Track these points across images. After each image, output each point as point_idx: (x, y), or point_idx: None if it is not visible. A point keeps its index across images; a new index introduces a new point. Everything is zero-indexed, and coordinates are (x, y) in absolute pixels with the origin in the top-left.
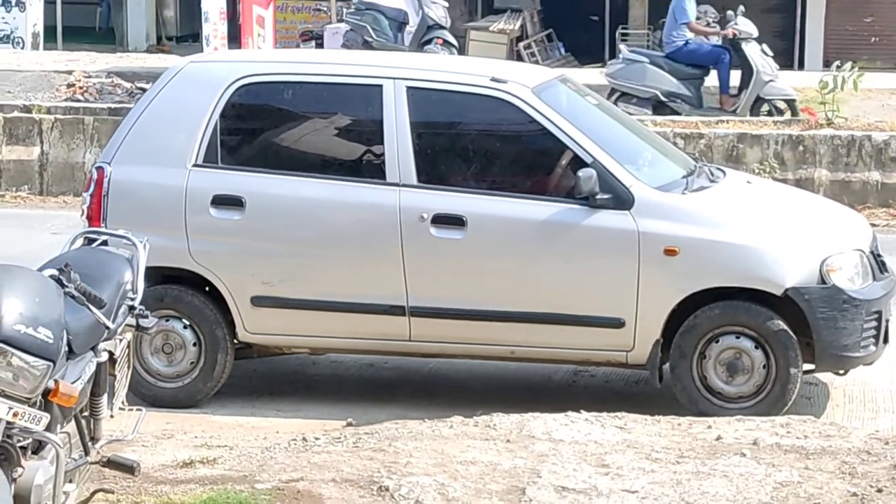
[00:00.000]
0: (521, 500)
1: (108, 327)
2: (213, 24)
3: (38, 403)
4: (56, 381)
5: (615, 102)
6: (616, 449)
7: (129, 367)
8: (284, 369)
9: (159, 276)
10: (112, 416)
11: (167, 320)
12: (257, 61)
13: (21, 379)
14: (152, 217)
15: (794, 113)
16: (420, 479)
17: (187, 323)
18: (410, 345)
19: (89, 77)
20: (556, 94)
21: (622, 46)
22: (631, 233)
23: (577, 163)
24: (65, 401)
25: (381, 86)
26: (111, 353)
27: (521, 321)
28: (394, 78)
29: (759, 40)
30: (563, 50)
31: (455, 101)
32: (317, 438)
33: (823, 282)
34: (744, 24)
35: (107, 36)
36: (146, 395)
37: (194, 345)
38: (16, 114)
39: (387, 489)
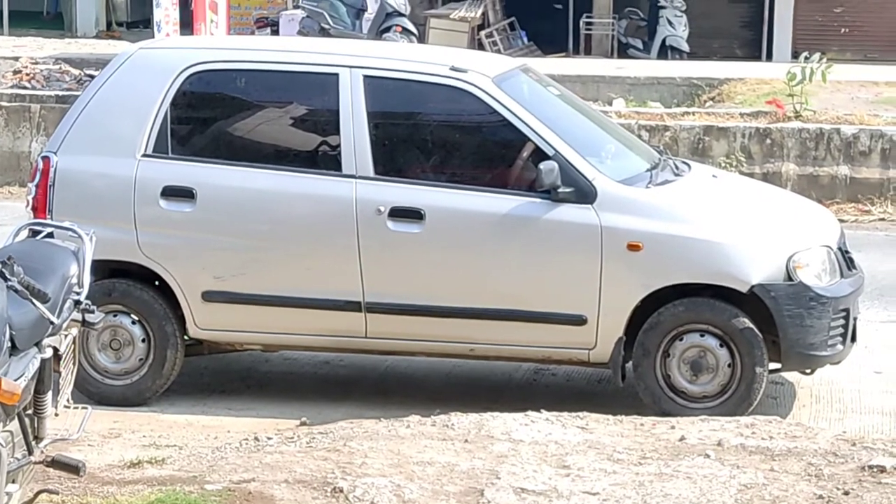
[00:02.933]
0: (480, 502)
1: (52, 322)
2: (165, 9)
3: None
4: None
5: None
6: (577, 449)
7: (74, 364)
8: (236, 367)
9: (107, 270)
10: (57, 415)
11: (115, 315)
12: (210, 48)
13: None
14: (100, 209)
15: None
16: (375, 480)
17: (136, 318)
18: (366, 342)
19: (36, 63)
20: (517, 85)
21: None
22: (593, 227)
23: (539, 155)
24: (7, 398)
25: (337, 74)
26: (56, 350)
27: (481, 318)
28: (350, 66)
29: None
30: (525, 39)
31: (413, 90)
32: (269, 438)
33: (790, 278)
34: None
35: (55, 21)
36: (93, 392)
37: (143, 341)
38: None
39: (341, 490)
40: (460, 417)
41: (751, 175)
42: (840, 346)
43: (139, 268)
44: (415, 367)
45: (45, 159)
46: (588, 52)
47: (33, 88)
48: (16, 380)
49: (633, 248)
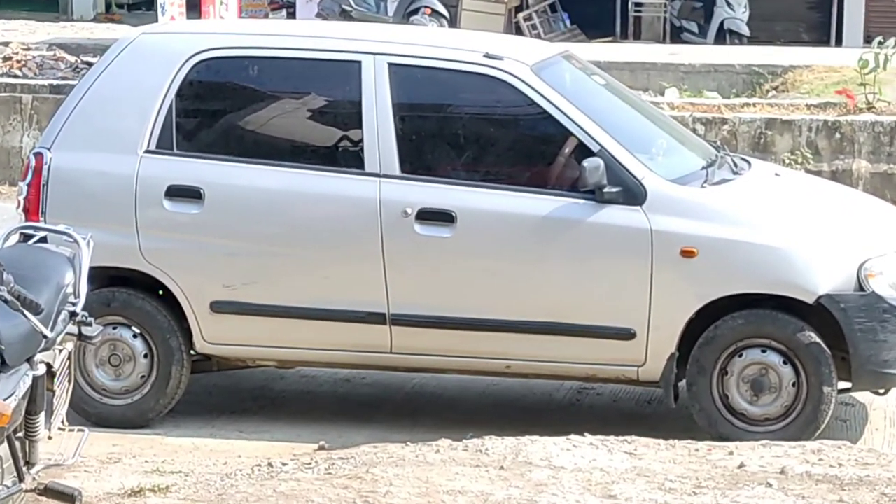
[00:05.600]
0: None
1: (45, 336)
2: None
3: None
4: None
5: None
6: (624, 477)
7: (70, 382)
8: (248, 385)
9: (106, 278)
10: (50, 438)
11: (114, 328)
12: (219, 33)
13: None
14: (98, 210)
15: None
16: None
17: (137, 331)
18: (392, 357)
19: (28, 49)
20: (558, 73)
21: None
22: (643, 231)
23: (583, 151)
24: None
25: (359, 62)
26: (49, 366)
27: (518, 331)
28: (374, 53)
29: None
30: (568, 22)
31: (444, 80)
32: (284, 464)
33: (861, 288)
34: None
35: (49, 3)
36: (90, 413)
37: (145, 356)
38: None
39: None
40: (495, 441)
41: (818, 173)
42: None
43: (141, 275)
44: (445, 386)
45: (38, 156)
46: (637, 37)
47: (25, 77)
48: (5, 399)
49: (686, 254)
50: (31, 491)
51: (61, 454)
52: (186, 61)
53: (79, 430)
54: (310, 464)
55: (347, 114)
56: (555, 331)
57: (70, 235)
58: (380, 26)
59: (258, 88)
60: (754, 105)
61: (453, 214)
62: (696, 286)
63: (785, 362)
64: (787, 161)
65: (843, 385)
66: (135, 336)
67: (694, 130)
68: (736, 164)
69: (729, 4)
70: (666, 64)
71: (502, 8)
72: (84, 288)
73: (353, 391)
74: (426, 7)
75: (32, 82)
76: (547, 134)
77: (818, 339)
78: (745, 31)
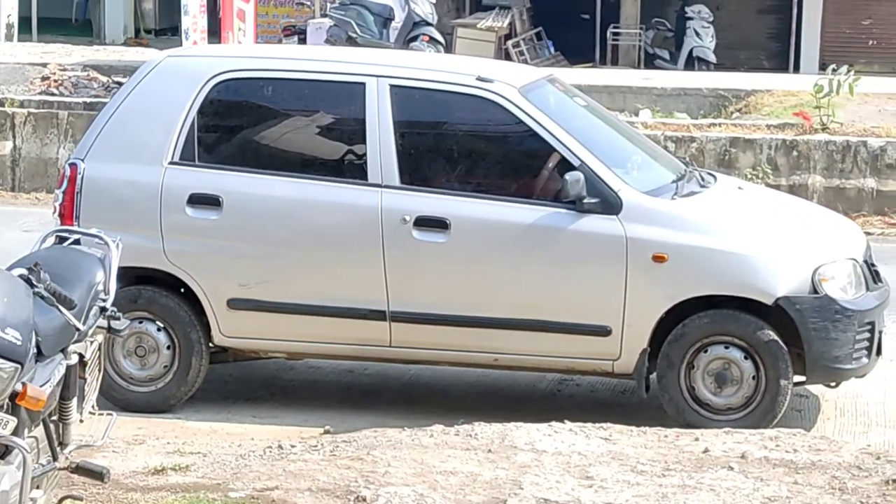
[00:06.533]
0: None
1: (78, 329)
2: (193, 17)
3: (4, 407)
4: (24, 384)
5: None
6: (600, 461)
7: (100, 371)
8: (261, 374)
9: (133, 277)
10: (82, 421)
11: (140, 322)
12: (237, 56)
13: None
14: (126, 215)
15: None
16: (398, 489)
17: (161, 325)
18: (391, 351)
19: (64, 70)
20: (543, 95)
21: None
22: (619, 238)
23: (565, 165)
24: (33, 404)
25: (363, 84)
26: (81, 356)
27: (505, 328)
28: (377, 76)
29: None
30: (552, 49)
31: (440, 100)
32: (293, 446)
33: (815, 291)
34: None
35: (83, 28)
36: (118, 399)
37: (168, 348)
38: None
39: (364, 499)
40: (484, 427)
41: (777, 187)
42: (865, 360)
43: (165, 275)
44: (439, 377)
45: (73, 166)
46: (615, 63)
47: (61, 95)
48: (41, 386)
49: (658, 259)
50: (64, 469)
51: (91, 436)
52: (207, 81)
53: (107, 415)
54: (316, 446)
55: (352, 130)
56: (538, 327)
57: (101, 238)
58: (382, 51)
59: (272, 106)
60: (720, 125)
61: (448, 222)
62: (667, 288)
63: (746, 357)
64: (749, 176)
65: (798, 378)
66: (159, 329)
67: (665, 148)
68: (703, 179)
69: (697, 34)
70: (640, 87)
71: (493, 36)
72: (113, 286)
73: (355, 381)
74: (424, 35)
75: (68, 100)
76: (532, 149)
77: (776, 337)
78: (712, 58)
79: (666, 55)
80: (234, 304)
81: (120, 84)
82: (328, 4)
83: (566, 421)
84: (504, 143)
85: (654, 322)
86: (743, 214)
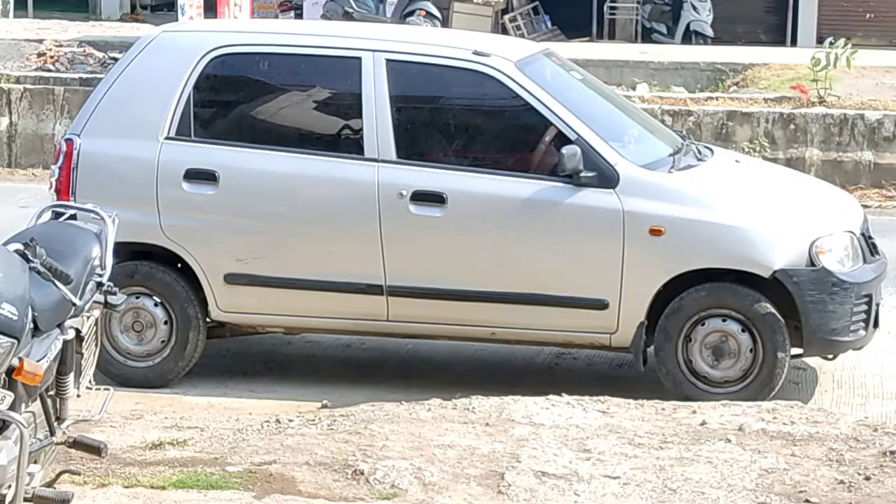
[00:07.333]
0: (500, 485)
1: (74, 304)
2: None
3: (1, 382)
4: (20, 359)
5: None
6: (598, 433)
7: (96, 346)
8: (258, 349)
9: (129, 252)
10: (79, 396)
11: (137, 297)
12: (232, 31)
13: None
14: (123, 191)
15: None
16: (396, 462)
17: (158, 300)
18: (388, 325)
19: (60, 46)
20: (540, 69)
21: None
22: (615, 212)
23: (561, 139)
24: (29, 379)
25: (359, 58)
26: (78, 331)
27: (502, 302)
28: (373, 50)
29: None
30: (549, 23)
31: (436, 74)
32: (290, 420)
33: (812, 264)
34: None
35: (79, 4)
36: (115, 374)
37: (165, 323)
38: None
39: (362, 473)
40: (481, 401)
41: (774, 160)
42: (862, 332)
43: (162, 250)
44: (436, 351)
45: (69, 142)
46: (612, 37)
47: (57, 71)
48: (38, 361)
49: (655, 232)
50: (62, 444)
51: (89, 411)
52: (203, 56)
53: (105, 389)
54: (314, 420)
55: (349, 105)
56: (535, 301)
57: (97, 213)
58: (378, 26)
59: (268, 81)
60: (717, 99)
61: (444, 196)
62: (664, 262)
63: (743, 330)
64: (746, 149)
65: (795, 351)
66: (156, 305)
67: (662, 121)
68: (700, 152)
69: (694, 8)
70: (637, 62)
71: (489, 10)
72: (110, 261)
73: (353, 355)
74: (421, 9)
75: (64, 76)
76: (529, 124)
77: (773, 310)
78: (709, 32)
79: (663, 29)
80: (231, 278)
81: (116, 60)
82: None
83: (563, 394)
84: (500, 118)
85: (651, 295)
86: (740, 188)
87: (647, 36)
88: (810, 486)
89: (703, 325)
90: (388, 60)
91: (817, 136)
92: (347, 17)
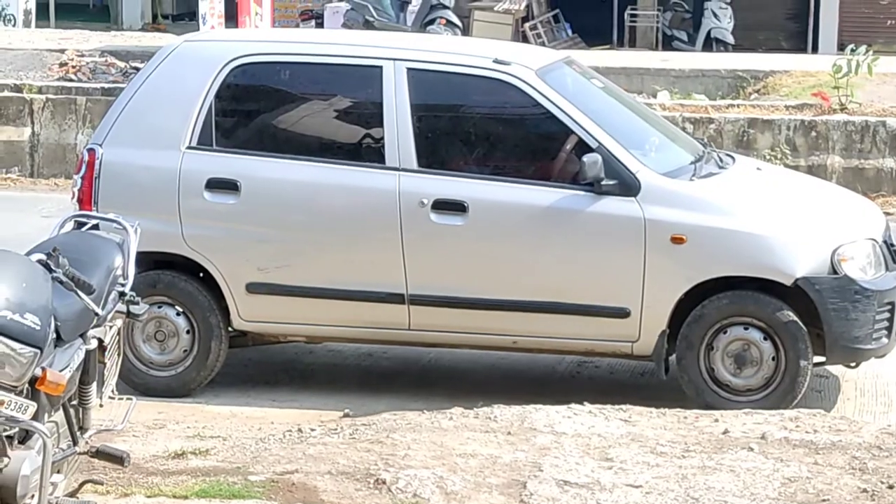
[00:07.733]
0: (522, 495)
1: (97, 314)
2: (210, 1)
3: (24, 392)
4: (43, 369)
5: None
6: (620, 442)
7: (119, 355)
8: (280, 358)
9: (151, 262)
10: (101, 406)
11: (159, 307)
12: (254, 41)
13: (7, 366)
14: (145, 200)
15: None
16: (418, 471)
17: (180, 310)
18: (410, 334)
19: (82, 56)
20: (561, 77)
21: None
22: (637, 220)
23: (582, 147)
24: (52, 389)
25: (381, 67)
26: (101, 341)
27: (524, 310)
28: (394, 59)
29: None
30: (569, 31)
31: (457, 83)
32: (312, 430)
33: (835, 272)
34: None
35: (101, 14)
36: (137, 383)
37: (187, 332)
38: (6, 93)
39: (384, 482)
40: (503, 409)
41: (796, 168)
42: (885, 340)
43: (184, 259)
44: (458, 360)
45: (91, 151)
46: (632, 45)
47: (79, 81)
48: (61, 371)
49: (676, 240)
50: (84, 453)
51: (111, 420)
52: (224, 66)
53: (127, 399)
54: (336, 429)
55: (370, 113)
56: (557, 310)
57: (119, 223)
58: (399, 35)
59: (289, 91)
60: (738, 106)
61: (465, 205)
62: (685, 270)
63: (765, 338)
64: (768, 157)
65: (817, 359)
66: (178, 314)
67: (683, 129)
68: (721, 160)
69: (715, 15)
70: (658, 69)
71: (510, 18)
72: (132, 270)
73: (374, 364)
74: (441, 18)
75: (86, 85)
76: (550, 132)
77: (795, 318)
78: (730, 39)
79: (684, 36)
80: (253, 288)
81: (137, 69)
82: None
83: (585, 403)
84: (521, 126)
85: (673, 303)
86: (761, 195)
87: (667, 43)
88: (833, 495)
89: (725, 333)
90: (409, 69)
91: (839, 143)
92: (368, 25)
